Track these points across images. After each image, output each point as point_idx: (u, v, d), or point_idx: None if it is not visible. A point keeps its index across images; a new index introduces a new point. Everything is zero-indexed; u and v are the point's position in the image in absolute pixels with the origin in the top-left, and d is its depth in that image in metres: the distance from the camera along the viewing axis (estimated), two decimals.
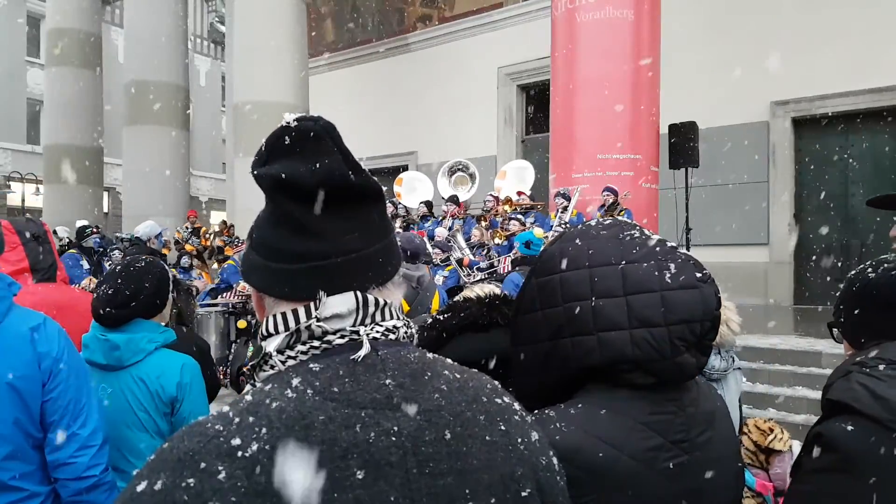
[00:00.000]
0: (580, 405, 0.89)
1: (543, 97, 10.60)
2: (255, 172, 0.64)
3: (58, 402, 1.45)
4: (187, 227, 11.26)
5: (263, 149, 0.64)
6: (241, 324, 6.74)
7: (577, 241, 0.93)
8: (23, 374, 1.40)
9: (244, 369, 5.32)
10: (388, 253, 0.68)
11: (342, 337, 0.63)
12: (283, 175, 0.61)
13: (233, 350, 6.71)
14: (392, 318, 0.67)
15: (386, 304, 0.66)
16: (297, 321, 0.63)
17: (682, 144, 7.82)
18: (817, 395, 5.15)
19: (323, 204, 0.62)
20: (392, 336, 0.66)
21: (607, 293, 0.87)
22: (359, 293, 0.64)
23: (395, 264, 0.69)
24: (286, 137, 0.63)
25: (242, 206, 10.37)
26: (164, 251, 9.29)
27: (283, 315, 0.64)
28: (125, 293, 1.81)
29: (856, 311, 1.20)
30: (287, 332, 0.63)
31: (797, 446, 2.09)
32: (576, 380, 0.92)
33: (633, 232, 0.93)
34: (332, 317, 0.63)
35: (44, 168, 15.20)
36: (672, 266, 0.87)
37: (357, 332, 0.63)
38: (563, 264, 0.92)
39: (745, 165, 9.58)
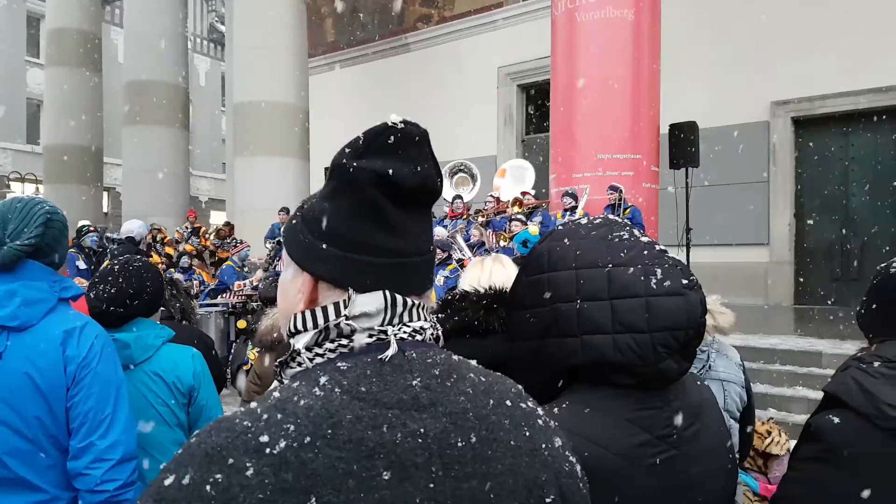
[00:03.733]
0: (565, 404, 0.89)
1: (543, 97, 10.60)
2: (353, 164, 0.63)
3: (78, 408, 1.44)
4: (187, 227, 11.26)
5: (361, 142, 0.64)
6: (241, 323, 6.75)
7: (566, 240, 0.93)
8: (48, 375, 1.41)
9: (243, 367, 5.32)
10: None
11: (370, 336, 0.63)
12: (390, 172, 0.62)
13: (233, 349, 6.72)
14: (419, 318, 0.67)
15: (414, 304, 0.66)
16: (326, 319, 0.64)
17: (683, 144, 7.81)
18: (817, 395, 5.13)
19: (407, 205, 0.65)
20: (419, 337, 0.66)
21: (592, 296, 0.87)
22: (387, 292, 0.64)
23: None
24: (390, 137, 0.64)
25: (242, 206, 10.37)
26: (168, 250, 9.29)
27: (313, 312, 0.64)
28: (129, 292, 1.82)
29: (873, 306, 1.20)
30: (316, 330, 0.64)
31: None
32: (563, 379, 0.92)
33: (622, 233, 0.92)
34: (361, 315, 0.63)
35: (44, 168, 15.22)
36: (658, 271, 0.87)
37: (385, 332, 0.64)
38: (551, 264, 0.92)
39: (745, 165, 9.58)
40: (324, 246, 0.65)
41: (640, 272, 0.87)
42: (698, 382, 1.01)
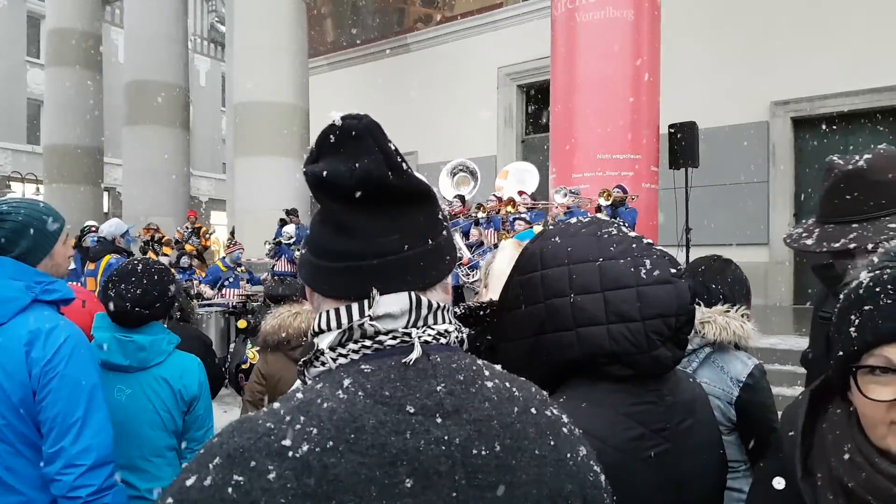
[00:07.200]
0: (563, 399, 0.90)
1: (543, 97, 10.60)
2: (304, 170, 0.64)
3: (47, 412, 1.39)
4: (187, 227, 11.27)
5: (314, 147, 0.64)
6: (241, 323, 6.75)
7: (557, 238, 0.95)
8: (14, 376, 1.38)
9: (242, 367, 5.32)
10: (434, 255, 0.65)
11: (394, 338, 0.62)
12: (325, 174, 0.61)
13: (232, 349, 6.72)
14: (444, 321, 0.66)
15: (439, 306, 0.65)
16: (350, 319, 0.62)
17: (682, 144, 7.81)
18: None
19: (362, 204, 0.61)
20: (443, 340, 0.65)
21: (585, 289, 0.89)
22: (413, 294, 0.63)
23: (442, 267, 0.66)
24: (332, 136, 0.62)
25: (242, 206, 10.37)
26: (166, 250, 9.29)
27: (336, 311, 0.63)
28: (153, 294, 1.81)
29: None
30: (339, 330, 0.63)
31: None
32: (559, 375, 0.94)
33: (610, 230, 0.95)
34: (385, 316, 0.62)
35: (44, 168, 15.22)
36: (647, 262, 0.90)
37: (409, 335, 0.62)
38: (543, 262, 0.94)
39: (745, 165, 9.57)
40: (304, 251, 0.67)
41: (629, 264, 0.90)
42: (691, 380, 1.03)
